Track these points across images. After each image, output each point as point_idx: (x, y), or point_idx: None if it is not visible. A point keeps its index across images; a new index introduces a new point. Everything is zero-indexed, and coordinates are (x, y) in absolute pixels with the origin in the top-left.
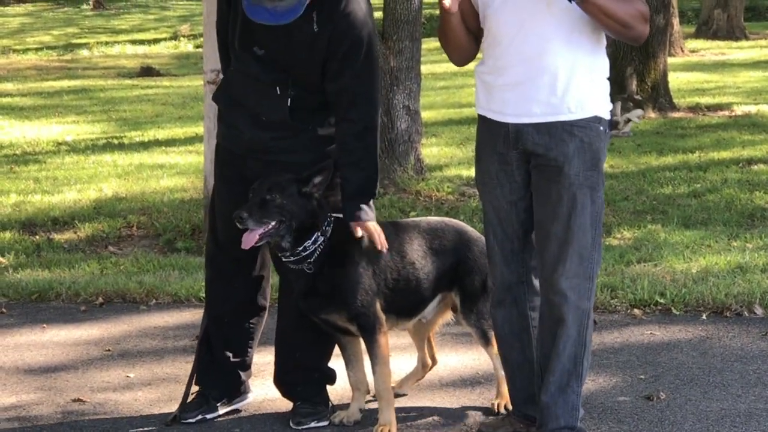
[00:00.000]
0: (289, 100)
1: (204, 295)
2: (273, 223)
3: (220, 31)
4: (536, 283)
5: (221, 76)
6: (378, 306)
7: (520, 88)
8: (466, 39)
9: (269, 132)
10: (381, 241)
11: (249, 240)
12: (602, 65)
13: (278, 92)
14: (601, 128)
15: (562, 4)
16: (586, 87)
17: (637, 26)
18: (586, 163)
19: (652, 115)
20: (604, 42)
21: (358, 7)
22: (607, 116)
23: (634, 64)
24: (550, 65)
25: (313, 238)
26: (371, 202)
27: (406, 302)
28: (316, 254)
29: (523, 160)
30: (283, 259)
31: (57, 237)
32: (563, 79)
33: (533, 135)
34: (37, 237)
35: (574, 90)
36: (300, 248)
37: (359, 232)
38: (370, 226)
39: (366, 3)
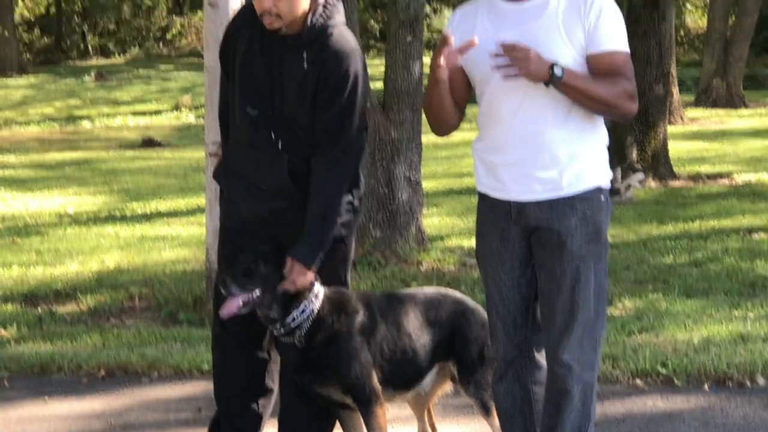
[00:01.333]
0: (287, 163)
1: (206, 368)
2: (256, 292)
3: (222, 110)
4: (538, 356)
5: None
6: (374, 378)
7: (521, 166)
8: (451, 110)
9: (268, 203)
10: (296, 284)
11: (230, 306)
12: (601, 136)
13: (274, 156)
14: (603, 198)
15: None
16: (585, 160)
17: (622, 106)
18: (588, 236)
19: (653, 184)
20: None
21: (347, 45)
22: (607, 185)
23: (634, 133)
24: (550, 143)
25: (300, 309)
26: (322, 246)
27: (403, 374)
28: (306, 326)
29: (525, 236)
30: (274, 332)
31: (59, 309)
32: (563, 155)
33: (535, 211)
34: (39, 309)
35: (575, 164)
36: (288, 319)
37: (287, 265)
38: (301, 269)
39: (355, 42)
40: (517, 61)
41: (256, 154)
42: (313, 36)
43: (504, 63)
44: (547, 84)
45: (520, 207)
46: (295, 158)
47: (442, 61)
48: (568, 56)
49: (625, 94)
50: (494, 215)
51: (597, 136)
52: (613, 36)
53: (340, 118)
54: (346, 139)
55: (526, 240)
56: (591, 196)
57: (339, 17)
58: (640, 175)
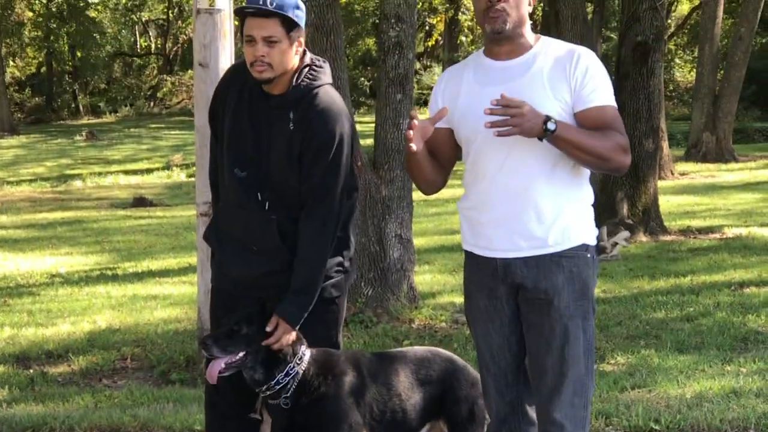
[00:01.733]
0: (276, 224)
1: (199, 428)
2: (240, 354)
3: (212, 171)
4: (530, 412)
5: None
6: None
7: (506, 223)
8: (433, 172)
9: (259, 267)
10: (281, 342)
11: (213, 368)
12: (586, 194)
13: (263, 217)
14: (589, 255)
15: (539, 143)
16: (571, 217)
17: (614, 159)
18: (575, 293)
19: (644, 238)
20: (588, 172)
21: (333, 105)
22: (593, 242)
23: (624, 188)
24: (535, 200)
25: (285, 371)
26: (307, 306)
27: None
28: (291, 388)
29: (512, 294)
30: (261, 395)
31: (51, 370)
32: (548, 212)
33: (521, 268)
34: (31, 370)
35: (560, 222)
36: (273, 381)
37: (272, 325)
38: (286, 328)
39: (341, 102)
40: (513, 117)
41: (245, 215)
42: (299, 95)
43: (499, 119)
44: (540, 138)
45: (506, 264)
46: (283, 219)
47: (411, 134)
48: (553, 112)
49: (618, 147)
50: (481, 273)
51: (582, 194)
52: (600, 92)
53: (325, 178)
54: (332, 199)
55: (514, 298)
56: (577, 254)
57: (325, 77)
58: (626, 234)
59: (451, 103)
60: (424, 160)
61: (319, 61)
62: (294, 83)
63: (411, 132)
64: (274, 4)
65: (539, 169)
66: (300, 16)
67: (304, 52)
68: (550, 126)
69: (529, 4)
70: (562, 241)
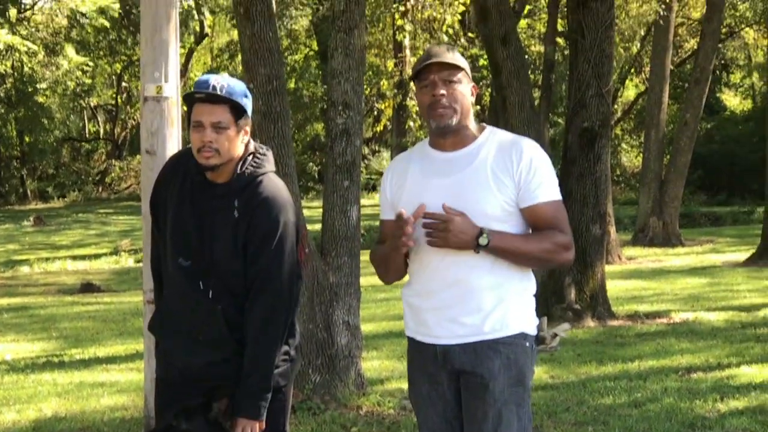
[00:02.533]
0: (222, 314)
1: None
2: None
3: (154, 260)
4: None
5: None
6: None
7: (446, 311)
8: (404, 264)
9: (205, 357)
10: None
11: None
12: (528, 285)
13: (209, 307)
14: (527, 344)
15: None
16: (510, 307)
17: (555, 260)
18: (511, 380)
19: (591, 324)
20: None
21: (277, 193)
22: (533, 332)
23: (572, 273)
24: (476, 289)
25: None
26: (264, 397)
27: None
28: None
29: (453, 379)
30: None
31: None
32: (488, 302)
33: (460, 354)
34: None
35: (499, 311)
36: None
37: (239, 428)
38: (252, 425)
39: (285, 189)
40: (438, 232)
41: (190, 305)
42: (243, 183)
43: (429, 228)
44: (476, 251)
45: (445, 351)
46: (229, 307)
47: (405, 237)
48: (496, 206)
49: (557, 247)
50: (422, 359)
51: (524, 284)
52: (545, 187)
53: (270, 266)
54: (277, 288)
55: (456, 383)
56: (515, 341)
57: (269, 165)
58: (566, 325)
59: (397, 193)
60: (402, 256)
61: (262, 149)
62: (238, 171)
63: (405, 237)
64: (224, 91)
65: (480, 262)
66: (247, 104)
67: (248, 140)
68: (482, 241)
69: (471, 95)
70: (500, 328)
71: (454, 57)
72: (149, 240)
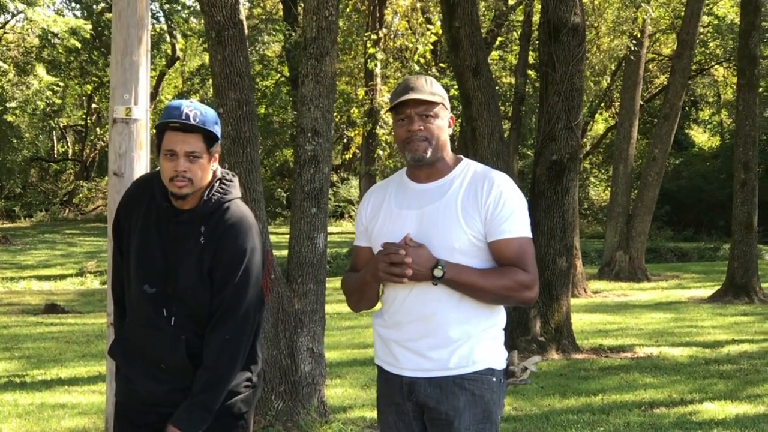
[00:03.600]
0: (185, 343)
1: None
2: None
3: (115, 286)
4: None
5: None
6: None
7: (413, 344)
8: (376, 294)
9: (167, 384)
10: None
11: None
12: (496, 320)
13: (172, 335)
14: (494, 380)
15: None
16: (478, 342)
17: (514, 297)
18: (477, 416)
19: (556, 356)
20: None
21: (243, 222)
22: (500, 366)
23: (537, 305)
24: (442, 324)
25: None
26: (206, 419)
27: None
28: None
29: (419, 411)
30: None
31: None
32: (455, 337)
33: (425, 388)
34: None
35: (465, 346)
36: None
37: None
38: None
39: (251, 216)
40: (396, 265)
41: (153, 333)
42: (209, 210)
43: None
44: (433, 282)
45: (411, 383)
46: (193, 336)
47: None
48: (464, 240)
49: (517, 285)
50: (389, 389)
51: (493, 319)
52: (511, 223)
53: (236, 293)
54: (240, 315)
55: (421, 416)
56: (481, 377)
57: (235, 191)
58: (536, 358)
59: (372, 221)
60: (376, 286)
61: (228, 174)
62: (205, 198)
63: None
64: (198, 120)
65: (446, 296)
66: (218, 131)
67: (213, 174)
68: (437, 273)
69: (449, 126)
70: (465, 364)
71: (432, 90)
72: (115, 260)
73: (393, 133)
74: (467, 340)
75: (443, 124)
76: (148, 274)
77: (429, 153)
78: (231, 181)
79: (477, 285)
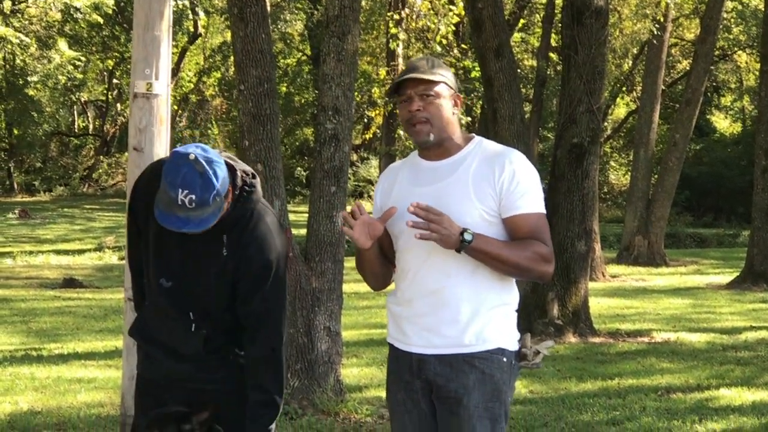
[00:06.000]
0: (202, 337)
1: None
2: None
3: (132, 261)
4: None
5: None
6: None
7: (423, 320)
8: (383, 268)
9: (188, 363)
10: None
11: None
12: (508, 298)
13: (190, 329)
14: (505, 360)
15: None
16: (489, 321)
17: (534, 270)
18: (486, 395)
19: (573, 340)
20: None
21: (267, 230)
22: (512, 348)
23: (555, 289)
24: (452, 300)
25: None
26: (272, 425)
27: None
28: None
29: (428, 390)
30: None
31: None
32: (465, 313)
33: (435, 365)
34: None
35: (477, 324)
36: None
37: None
38: None
39: (276, 225)
40: (431, 223)
41: (170, 324)
42: (231, 221)
43: (420, 222)
44: (458, 250)
45: (420, 360)
46: (209, 332)
47: (346, 229)
48: (475, 215)
49: (538, 258)
50: (399, 367)
51: (504, 298)
52: (526, 198)
53: (267, 304)
54: (276, 323)
55: (430, 394)
56: (492, 357)
57: (256, 196)
58: (549, 343)
59: (385, 200)
60: (374, 257)
61: (248, 176)
62: (228, 208)
63: (345, 227)
64: (193, 205)
65: (458, 271)
66: (221, 193)
67: (232, 185)
68: (467, 237)
69: (455, 105)
70: (476, 342)
71: (432, 70)
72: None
73: (399, 116)
74: (477, 317)
75: (445, 104)
76: (165, 269)
77: (432, 136)
78: (252, 185)
79: (500, 255)
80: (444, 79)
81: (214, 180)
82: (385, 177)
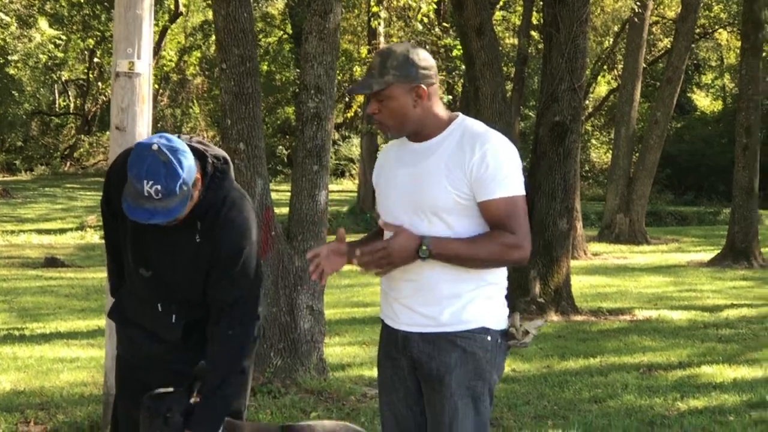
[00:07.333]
0: (182, 326)
1: None
2: None
3: (109, 246)
4: None
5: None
6: None
7: (407, 300)
8: None
9: (168, 345)
10: None
11: None
12: (492, 278)
13: (170, 319)
14: (489, 338)
15: (439, 226)
16: (470, 300)
17: (503, 259)
18: (468, 373)
19: (555, 318)
20: None
21: (239, 216)
22: (497, 327)
23: (537, 267)
24: (431, 280)
25: None
26: (222, 415)
27: None
28: None
29: (413, 367)
30: None
31: None
32: (445, 293)
33: (419, 343)
34: None
35: (457, 304)
36: None
37: None
38: None
39: (249, 208)
40: (380, 260)
41: (149, 311)
42: (203, 208)
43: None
44: (422, 259)
45: (406, 338)
46: (188, 319)
47: (313, 270)
48: (448, 199)
49: (505, 248)
50: (387, 343)
51: (487, 278)
52: (498, 182)
53: (239, 286)
54: (246, 311)
55: (415, 371)
56: (474, 336)
57: (228, 182)
58: (539, 322)
59: (377, 178)
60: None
61: (219, 161)
62: (201, 195)
63: (313, 268)
64: (159, 196)
65: None
66: (187, 181)
67: (203, 172)
68: (422, 253)
69: (418, 97)
70: (457, 322)
71: (383, 72)
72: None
73: None
74: (458, 298)
75: (401, 102)
76: (142, 259)
77: (392, 132)
78: (223, 171)
79: (464, 255)
80: (395, 79)
81: (179, 169)
82: (381, 155)
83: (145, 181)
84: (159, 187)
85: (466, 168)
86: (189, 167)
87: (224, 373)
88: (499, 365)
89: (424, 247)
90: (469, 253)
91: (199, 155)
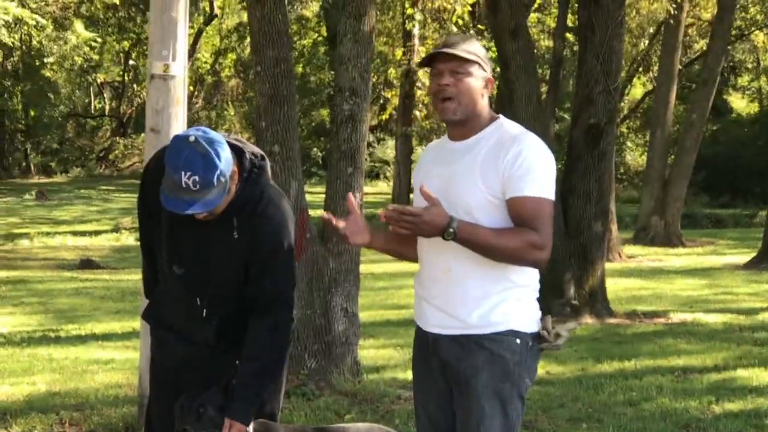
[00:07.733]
0: (215, 326)
1: None
2: None
3: (144, 247)
4: None
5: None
6: None
7: (436, 301)
8: (408, 250)
9: (201, 348)
10: None
11: None
12: (523, 279)
13: (201, 316)
14: (518, 341)
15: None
16: (499, 302)
17: (525, 257)
18: (496, 376)
19: (590, 320)
20: None
21: (277, 212)
22: (527, 329)
23: (572, 269)
24: (459, 280)
25: None
26: (256, 402)
27: None
28: None
29: (443, 369)
30: None
31: None
32: (473, 294)
33: (447, 346)
34: None
35: (486, 305)
36: None
37: (225, 426)
38: (240, 428)
39: (286, 205)
40: (408, 223)
41: (183, 310)
42: (242, 203)
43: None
44: (445, 239)
45: (435, 340)
46: (222, 317)
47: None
48: (480, 198)
49: (528, 246)
50: (420, 344)
51: (518, 279)
52: (527, 181)
53: (276, 284)
54: (284, 304)
55: (445, 373)
56: (502, 338)
57: (265, 178)
58: (572, 324)
59: (417, 177)
60: (383, 248)
61: (256, 158)
62: (237, 191)
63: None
64: (197, 186)
65: (465, 251)
66: (224, 173)
67: (240, 167)
68: (447, 236)
69: (486, 87)
70: (484, 324)
71: (467, 48)
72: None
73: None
74: (486, 299)
75: (476, 84)
76: (178, 256)
77: (457, 114)
78: (260, 167)
79: (488, 244)
80: (478, 59)
81: (216, 160)
82: (421, 156)
83: (183, 172)
84: (197, 177)
85: (500, 166)
86: (226, 159)
87: (260, 367)
88: (531, 368)
89: (450, 229)
90: (493, 243)
91: (237, 150)
